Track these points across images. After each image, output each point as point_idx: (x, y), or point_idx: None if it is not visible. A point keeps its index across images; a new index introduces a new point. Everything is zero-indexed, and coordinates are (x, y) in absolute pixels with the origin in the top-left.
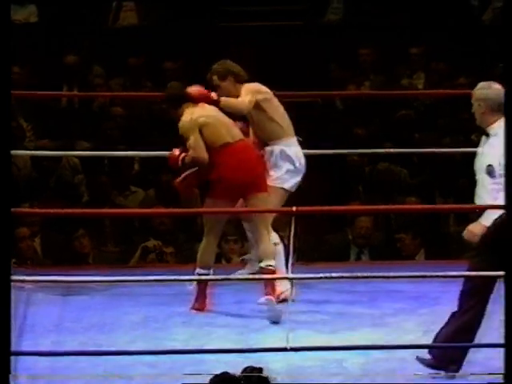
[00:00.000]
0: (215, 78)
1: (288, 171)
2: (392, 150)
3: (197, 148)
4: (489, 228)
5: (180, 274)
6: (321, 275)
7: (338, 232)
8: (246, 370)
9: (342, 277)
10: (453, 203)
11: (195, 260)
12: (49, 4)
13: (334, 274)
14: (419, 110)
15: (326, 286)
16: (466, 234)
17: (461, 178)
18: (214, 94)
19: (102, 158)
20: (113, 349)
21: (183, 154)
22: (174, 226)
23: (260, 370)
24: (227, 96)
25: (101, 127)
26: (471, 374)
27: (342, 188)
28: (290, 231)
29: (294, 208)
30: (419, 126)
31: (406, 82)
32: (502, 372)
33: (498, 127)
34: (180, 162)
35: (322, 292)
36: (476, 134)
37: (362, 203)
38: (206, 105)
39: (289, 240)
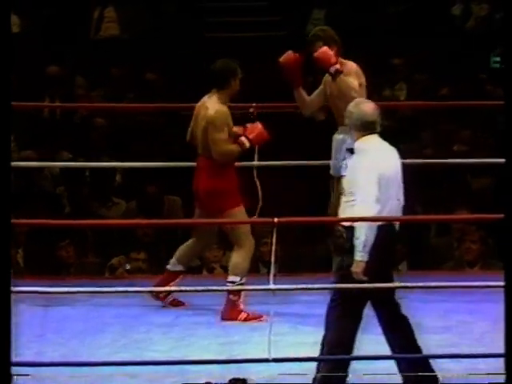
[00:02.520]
0: (320, 43)
1: None
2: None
3: None
4: (369, 260)
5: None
6: (303, 286)
7: (319, 243)
8: (230, 381)
9: (324, 288)
10: (433, 214)
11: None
12: (31, 15)
13: (316, 285)
14: (401, 121)
15: (308, 297)
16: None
17: (441, 188)
18: (338, 65)
19: (84, 169)
20: (94, 359)
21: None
22: (156, 238)
23: (244, 381)
24: None
25: (83, 138)
26: (471, 374)
27: (322, 199)
28: (271, 242)
29: (276, 219)
30: (402, 137)
31: (389, 93)
32: (502, 372)
33: (362, 144)
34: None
35: (304, 303)
36: (458, 144)
37: None
38: None
39: (270, 251)
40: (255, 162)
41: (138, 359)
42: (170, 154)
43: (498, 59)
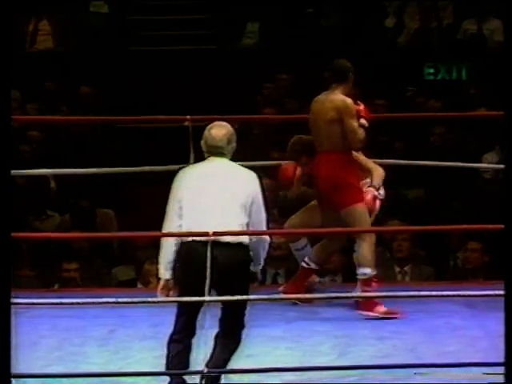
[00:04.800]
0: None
1: None
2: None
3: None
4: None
5: (98, 297)
6: (237, 298)
7: None
8: None
9: (259, 299)
10: (397, 224)
11: (111, 283)
12: None
13: (250, 297)
14: None
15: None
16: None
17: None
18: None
19: (19, 182)
20: (29, 372)
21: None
22: (90, 251)
23: None
24: None
25: (16, 151)
26: (471, 373)
27: None
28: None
29: (211, 232)
30: None
31: None
32: (502, 372)
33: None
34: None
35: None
36: (391, 156)
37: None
38: None
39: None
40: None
41: (73, 372)
42: (105, 166)
43: (431, 71)
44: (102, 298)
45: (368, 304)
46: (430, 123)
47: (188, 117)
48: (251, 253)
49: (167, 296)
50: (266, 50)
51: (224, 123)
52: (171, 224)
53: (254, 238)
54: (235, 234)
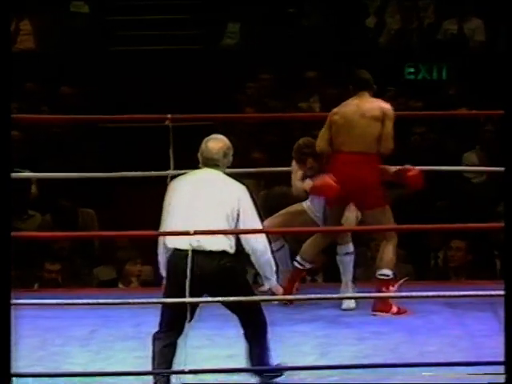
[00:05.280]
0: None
1: None
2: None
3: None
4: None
5: (79, 298)
6: (218, 299)
7: None
8: None
9: (239, 300)
10: None
11: (92, 283)
12: None
13: (231, 298)
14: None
15: (223, 309)
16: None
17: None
18: None
19: None
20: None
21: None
22: (71, 251)
23: None
24: None
25: None
26: (471, 374)
27: None
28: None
29: (192, 231)
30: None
31: (305, 105)
32: (502, 372)
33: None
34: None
35: (220, 316)
36: None
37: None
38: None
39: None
40: (171, 171)
41: (55, 372)
42: (86, 166)
43: (412, 70)
44: (83, 298)
45: (385, 305)
46: (410, 123)
47: (168, 116)
48: (257, 268)
49: None
50: (247, 50)
51: (220, 136)
52: (161, 227)
53: (250, 251)
54: (212, 233)
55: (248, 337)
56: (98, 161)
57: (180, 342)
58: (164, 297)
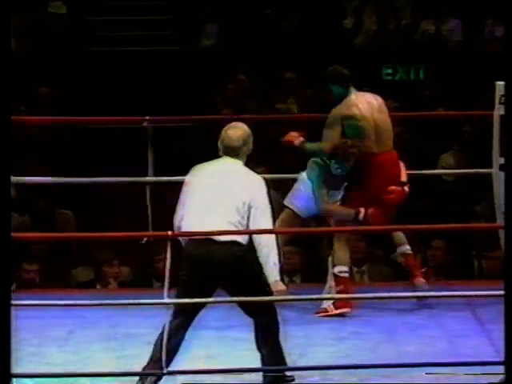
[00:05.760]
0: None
1: None
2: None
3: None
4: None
5: (57, 299)
6: (197, 300)
7: None
8: None
9: (218, 301)
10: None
11: (70, 284)
12: None
13: (209, 299)
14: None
15: (202, 310)
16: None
17: None
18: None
19: None
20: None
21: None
22: (49, 252)
23: None
24: None
25: None
26: (471, 374)
27: None
28: (165, 255)
29: (170, 232)
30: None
31: (283, 106)
32: (502, 372)
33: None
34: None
35: (198, 317)
36: None
37: None
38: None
39: (164, 264)
40: (149, 178)
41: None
42: (63, 166)
43: (389, 71)
44: (61, 299)
45: (342, 303)
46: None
47: (147, 117)
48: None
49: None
50: (225, 51)
51: (240, 124)
52: (177, 214)
53: (256, 245)
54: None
55: (259, 332)
56: (76, 162)
57: (161, 341)
58: (181, 283)
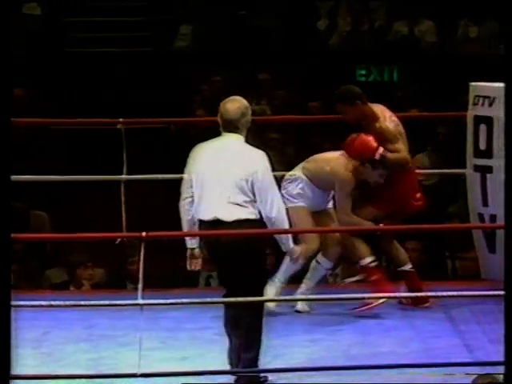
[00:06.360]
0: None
1: None
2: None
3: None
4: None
5: (31, 300)
6: (171, 301)
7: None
8: None
9: (192, 302)
10: None
11: (44, 286)
12: None
13: (184, 300)
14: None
15: (176, 312)
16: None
17: None
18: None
19: None
20: None
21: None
22: (23, 253)
23: None
24: None
25: None
26: (471, 374)
27: None
28: (139, 256)
29: (144, 233)
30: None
31: (257, 107)
32: (502, 372)
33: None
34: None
35: (173, 318)
36: None
37: None
38: None
39: (138, 267)
40: (123, 176)
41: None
42: (39, 167)
43: (363, 72)
44: (35, 300)
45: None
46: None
47: (120, 119)
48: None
49: (195, 266)
50: (199, 52)
51: (238, 97)
52: (183, 195)
53: (265, 218)
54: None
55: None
56: (50, 163)
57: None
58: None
